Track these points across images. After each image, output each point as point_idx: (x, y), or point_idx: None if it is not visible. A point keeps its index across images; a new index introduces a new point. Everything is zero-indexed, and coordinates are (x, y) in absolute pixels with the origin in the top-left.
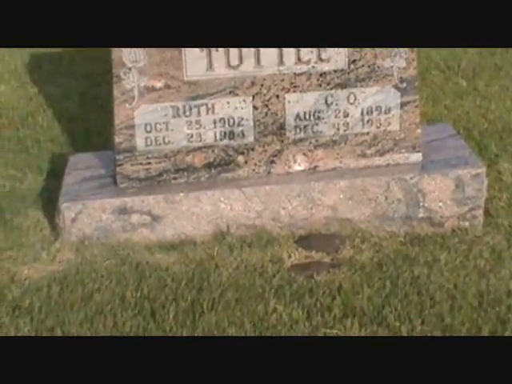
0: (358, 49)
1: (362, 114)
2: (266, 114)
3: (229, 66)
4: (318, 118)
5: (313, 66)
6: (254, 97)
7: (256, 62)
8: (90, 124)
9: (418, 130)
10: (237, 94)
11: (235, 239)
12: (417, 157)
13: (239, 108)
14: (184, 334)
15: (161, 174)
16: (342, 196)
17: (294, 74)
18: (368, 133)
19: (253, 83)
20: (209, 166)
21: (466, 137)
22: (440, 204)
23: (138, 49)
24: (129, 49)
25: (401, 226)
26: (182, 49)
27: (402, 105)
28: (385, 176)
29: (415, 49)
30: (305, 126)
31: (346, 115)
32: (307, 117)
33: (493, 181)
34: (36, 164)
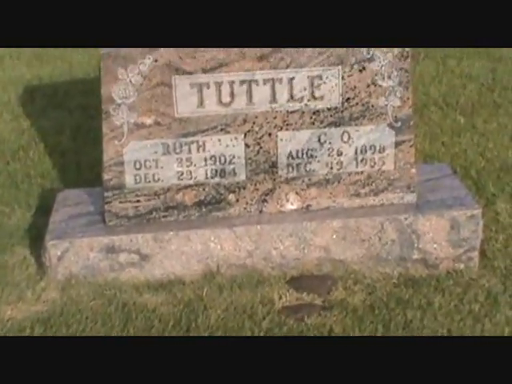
0: (352, 87)
1: (356, 152)
2: (258, 151)
3: (220, 103)
4: (311, 156)
5: (306, 104)
6: (245, 134)
7: (248, 100)
8: (82, 158)
9: (413, 170)
10: (228, 132)
11: (225, 279)
12: (412, 197)
13: (231, 146)
14: None
15: (150, 212)
16: (334, 236)
17: (287, 111)
18: (362, 172)
19: (245, 121)
20: (199, 204)
21: (463, 175)
22: (435, 245)
23: (128, 84)
24: (119, 85)
25: (394, 268)
26: (173, 85)
27: (397, 144)
28: (379, 216)
29: (411, 87)
30: (297, 165)
31: (340, 154)
32: (300, 155)
33: (489, 221)
34: (25, 199)
